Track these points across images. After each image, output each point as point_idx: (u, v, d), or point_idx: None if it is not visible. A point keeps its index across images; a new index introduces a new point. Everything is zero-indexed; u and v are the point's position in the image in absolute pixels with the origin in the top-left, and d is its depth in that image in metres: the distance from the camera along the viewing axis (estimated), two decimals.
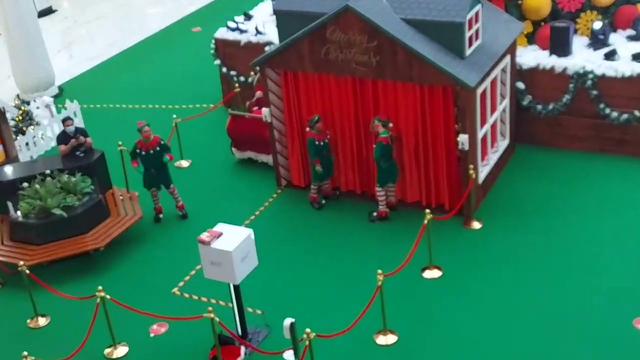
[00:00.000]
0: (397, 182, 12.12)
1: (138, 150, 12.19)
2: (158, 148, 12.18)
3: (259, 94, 13.94)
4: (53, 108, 16.02)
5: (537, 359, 9.45)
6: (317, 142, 12.03)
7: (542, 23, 13.49)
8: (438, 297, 10.54)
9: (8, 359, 10.34)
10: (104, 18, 22.61)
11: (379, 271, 9.73)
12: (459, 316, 10.16)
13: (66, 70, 19.18)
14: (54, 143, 14.84)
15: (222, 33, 15.76)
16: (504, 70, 12.39)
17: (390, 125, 11.53)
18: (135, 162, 12.22)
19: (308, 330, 8.97)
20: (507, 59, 12.32)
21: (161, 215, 12.68)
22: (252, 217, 12.70)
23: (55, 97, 17.44)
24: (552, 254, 11.03)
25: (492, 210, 12.07)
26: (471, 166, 11.41)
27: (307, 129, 12.15)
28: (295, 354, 9.18)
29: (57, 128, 15.27)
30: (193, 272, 11.58)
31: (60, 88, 18.04)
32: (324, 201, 12.74)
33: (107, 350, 10.28)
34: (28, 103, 16.32)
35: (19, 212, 11.93)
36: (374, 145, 11.61)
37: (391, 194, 12.13)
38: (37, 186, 12.01)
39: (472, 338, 9.83)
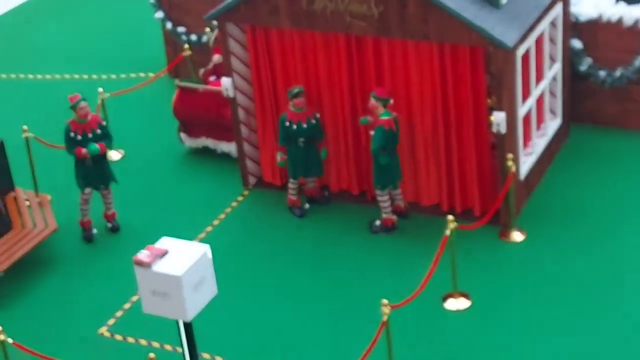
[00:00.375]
0: (405, 178, 12.13)
1: (72, 135, 12.10)
2: (99, 131, 12.13)
3: (217, 58, 13.90)
4: None
5: None
6: (287, 122, 12.01)
7: None
8: (465, 335, 10.55)
9: None
10: None
11: (384, 301, 9.73)
12: None
13: None
14: None
15: None
16: (553, 24, 12.40)
17: (391, 102, 11.51)
18: (80, 149, 11.99)
19: None
20: (558, 8, 12.34)
21: (95, 231, 12.64)
22: (209, 228, 12.68)
23: None
24: (619, 276, 11.05)
25: (538, 217, 12.10)
26: (510, 156, 11.42)
27: (289, 104, 12.11)
28: None
29: None
30: (128, 306, 11.54)
31: None
32: (307, 205, 12.74)
33: None
34: None
35: None
36: (371, 132, 11.60)
37: (398, 196, 12.13)
38: None
39: None
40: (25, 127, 13.14)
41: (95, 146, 12.04)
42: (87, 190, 12.34)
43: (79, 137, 12.07)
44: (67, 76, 16.75)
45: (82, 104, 12.06)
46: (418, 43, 11.45)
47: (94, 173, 12.27)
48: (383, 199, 11.90)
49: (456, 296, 10.97)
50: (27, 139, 13.06)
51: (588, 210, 12.12)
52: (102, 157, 12.23)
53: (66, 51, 17.58)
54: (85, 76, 16.64)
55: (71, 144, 12.11)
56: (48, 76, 16.82)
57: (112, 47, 17.52)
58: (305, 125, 12.08)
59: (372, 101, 11.47)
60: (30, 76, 16.93)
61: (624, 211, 12.03)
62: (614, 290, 10.88)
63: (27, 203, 12.69)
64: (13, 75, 17.04)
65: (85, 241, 12.60)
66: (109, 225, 12.70)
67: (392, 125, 11.47)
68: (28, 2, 19.99)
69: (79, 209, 12.50)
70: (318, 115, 12.22)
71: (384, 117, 11.45)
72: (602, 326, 10.45)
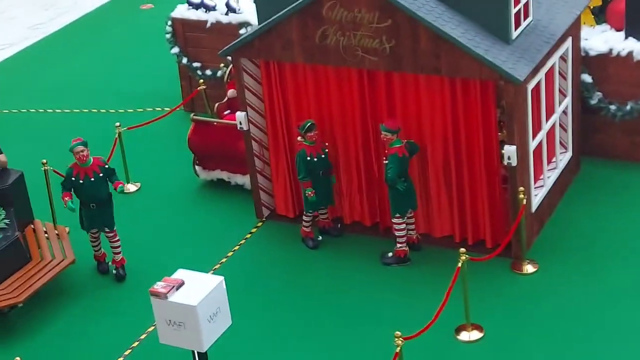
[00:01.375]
0: (418, 209, 12.13)
1: (74, 179, 12.02)
2: (101, 174, 12.03)
3: (231, 92, 13.97)
4: None
5: None
6: (308, 157, 12.05)
7: None
8: None
9: None
10: None
11: (397, 333, 9.70)
12: None
13: None
14: None
15: (181, 11, 15.81)
16: (563, 59, 12.42)
17: (400, 129, 11.58)
18: (68, 194, 12.00)
19: None
20: (568, 43, 12.37)
21: (110, 263, 12.57)
22: (224, 259, 12.68)
23: None
24: (632, 308, 10.99)
25: (550, 249, 12.06)
26: (521, 189, 11.40)
27: (298, 138, 12.17)
28: None
29: None
30: (143, 336, 11.53)
31: None
32: (321, 237, 12.75)
33: None
34: None
35: None
36: (385, 160, 11.62)
37: (411, 227, 12.12)
38: None
39: None
40: (44, 160, 13.20)
41: (121, 187, 12.04)
42: (93, 230, 12.30)
43: (81, 181, 11.95)
44: (85, 110, 16.85)
45: (78, 148, 11.88)
46: (430, 77, 11.48)
47: (98, 215, 12.17)
48: (400, 227, 11.86)
49: (469, 328, 10.91)
50: (46, 171, 13.11)
51: (600, 243, 12.07)
52: (107, 201, 12.13)
53: (85, 86, 17.68)
54: (103, 110, 16.74)
55: (67, 187, 12.02)
56: (67, 110, 16.92)
57: (129, 82, 17.62)
58: (322, 156, 12.15)
59: (385, 134, 11.51)
60: (50, 110, 17.03)
61: (636, 243, 11.98)
62: (627, 323, 10.81)
63: (46, 235, 12.72)
64: (33, 110, 17.14)
65: (101, 274, 12.56)
66: (114, 272, 12.50)
67: (404, 151, 11.52)
68: (47, 38, 20.18)
69: (91, 245, 12.51)
70: (327, 144, 12.28)
71: (396, 145, 11.50)
72: (616, 358, 10.38)
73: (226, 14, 15.31)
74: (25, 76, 18.52)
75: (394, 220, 11.90)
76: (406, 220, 11.96)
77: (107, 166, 12.16)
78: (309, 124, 11.97)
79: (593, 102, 13.23)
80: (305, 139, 12.03)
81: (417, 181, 12.09)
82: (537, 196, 12.13)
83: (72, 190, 12.08)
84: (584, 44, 13.07)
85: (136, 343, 11.48)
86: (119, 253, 12.47)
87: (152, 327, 11.23)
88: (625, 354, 10.40)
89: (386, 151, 11.63)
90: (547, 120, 12.12)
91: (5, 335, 11.79)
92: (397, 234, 11.96)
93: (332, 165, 12.45)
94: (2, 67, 19.15)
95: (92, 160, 12.06)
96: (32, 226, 12.85)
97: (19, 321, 11.95)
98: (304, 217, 12.55)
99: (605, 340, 10.61)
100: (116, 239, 12.38)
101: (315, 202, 12.27)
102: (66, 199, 12.01)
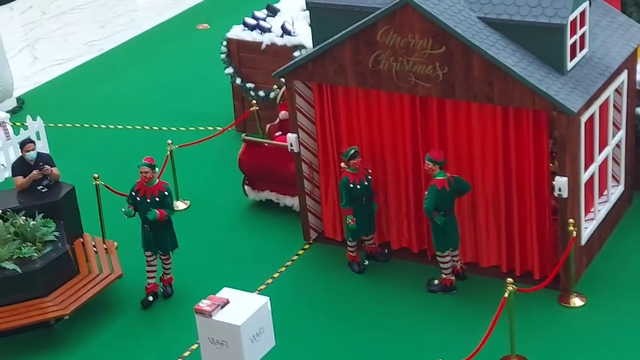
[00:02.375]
0: (465, 238, 12.09)
1: (134, 194, 12.05)
2: (157, 199, 11.97)
3: (283, 114, 14.03)
4: (9, 127, 16.27)
5: None
6: (351, 184, 12.05)
7: None
8: None
9: None
10: (82, 10, 23.08)
11: None
12: None
13: (28, 77, 19.56)
14: (8, 173, 15.04)
15: (237, 32, 15.95)
16: (618, 91, 12.33)
17: (445, 162, 11.54)
18: (133, 207, 12.03)
19: None
20: (624, 75, 12.28)
21: (151, 299, 12.42)
22: (270, 280, 12.70)
23: (13, 112, 17.76)
24: None
25: (599, 283, 11.95)
26: (571, 221, 11.31)
27: (342, 164, 12.19)
28: None
29: (14, 154, 15.48)
30: (187, 354, 11.56)
31: (20, 100, 18.37)
32: (367, 262, 12.72)
33: None
34: None
35: None
36: (426, 192, 11.59)
37: (456, 258, 12.06)
38: None
39: None
40: (96, 174, 13.35)
41: (155, 212, 11.88)
42: (147, 253, 12.27)
43: (138, 199, 11.99)
44: (138, 127, 17.03)
45: (143, 168, 11.89)
46: (482, 106, 11.46)
47: (153, 238, 12.15)
48: (444, 260, 11.83)
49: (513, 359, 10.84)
50: (97, 186, 13.26)
51: None
52: (163, 224, 12.06)
53: (138, 103, 17.89)
54: (156, 128, 16.91)
55: (129, 201, 12.11)
56: (120, 126, 17.12)
57: (182, 100, 17.80)
58: (365, 184, 12.13)
59: (428, 164, 11.48)
60: (103, 126, 17.24)
61: None
62: None
63: (95, 249, 12.85)
64: (87, 125, 17.36)
65: (143, 307, 12.38)
66: (162, 289, 12.52)
67: (445, 185, 11.44)
68: (103, 55, 20.45)
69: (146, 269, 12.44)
70: (370, 171, 12.28)
71: (439, 178, 11.45)
72: None
73: (281, 36, 15.41)
74: (80, 91, 18.77)
75: (436, 253, 11.86)
76: (451, 252, 11.90)
77: (167, 193, 12.05)
78: (352, 152, 11.98)
79: None
80: (348, 166, 12.04)
81: (466, 209, 12.05)
82: (588, 229, 12.01)
83: (137, 207, 12.09)
84: (639, 77, 12.96)
85: (182, 356, 11.51)
86: (168, 273, 12.54)
87: (196, 345, 11.27)
88: None
89: (429, 182, 11.62)
90: (600, 152, 12.02)
91: (50, 347, 11.91)
92: (441, 266, 11.91)
93: (375, 193, 12.43)
94: (57, 82, 19.42)
95: (157, 182, 12.08)
96: (81, 240, 13.00)
97: (64, 334, 12.06)
98: (349, 242, 12.54)
99: None
100: (169, 261, 12.42)
101: (356, 230, 12.27)
102: (129, 210, 12.02)
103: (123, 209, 12.07)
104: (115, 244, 13.12)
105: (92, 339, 11.98)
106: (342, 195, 12.13)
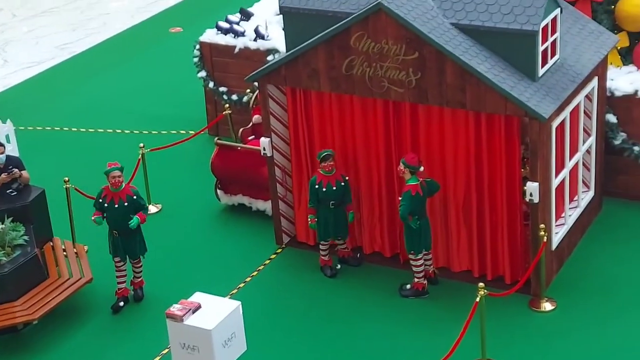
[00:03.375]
0: (437, 243, 12.11)
1: (101, 200, 11.94)
2: (126, 203, 11.85)
3: (256, 118, 14.04)
4: None
5: None
6: (317, 185, 12.07)
7: None
8: None
9: None
10: (53, 12, 22.95)
11: None
12: None
13: None
14: None
15: (210, 35, 15.94)
16: (589, 98, 12.42)
17: (421, 169, 11.53)
18: (99, 214, 11.93)
19: None
20: (594, 82, 12.36)
21: (122, 304, 12.33)
22: (242, 284, 12.67)
23: None
24: None
25: (569, 287, 12.00)
26: (542, 226, 11.37)
27: (319, 168, 12.20)
28: None
29: None
30: (157, 359, 11.48)
31: None
32: (339, 266, 12.73)
33: None
34: None
35: None
36: (399, 198, 11.62)
37: (428, 262, 12.09)
38: None
39: None
40: (66, 178, 13.28)
41: (137, 219, 11.85)
42: (117, 258, 12.19)
43: (106, 205, 11.88)
44: (109, 130, 16.96)
45: (115, 172, 11.78)
46: (455, 111, 11.50)
47: (121, 244, 12.07)
48: (417, 263, 11.86)
49: None
50: (67, 189, 13.19)
51: (619, 284, 11.99)
52: (131, 230, 11.93)
53: (110, 106, 17.83)
54: (127, 131, 16.84)
55: (96, 206, 12.00)
56: (91, 130, 17.04)
57: (155, 104, 17.75)
58: (334, 188, 12.12)
59: (401, 166, 11.52)
60: (74, 129, 17.15)
61: None
62: None
63: (65, 253, 12.76)
64: (57, 128, 17.27)
65: (113, 311, 12.28)
66: (133, 292, 12.46)
67: (418, 190, 11.47)
68: (75, 57, 20.36)
69: (115, 275, 12.37)
70: (347, 178, 12.27)
71: (411, 183, 11.47)
72: None
73: (254, 40, 15.42)
74: (51, 94, 18.69)
75: (410, 257, 11.89)
76: (423, 256, 11.93)
77: (135, 197, 11.94)
78: (324, 154, 11.99)
79: (617, 142, 13.20)
80: (321, 167, 12.06)
81: (437, 214, 12.09)
82: (558, 234, 12.08)
83: (105, 212, 11.98)
84: (609, 84, 13.07)
85: None
86: (139, 277, 12.48)
87: (166, 350, 11.22)
88: None
89: (402, 188, 11.65)
90: (570, 158, 12.09)
91: (18, 352, 11.81)
92: (414, 269, 11.93)
93: (352, 201, 12.40)
94: (28, 84, 19.32)
95: (123, 186, 11.97)
96: (51, 243, 12.91)
97: (32, 338, 11.97)
98: (321, 246, 12.55)
99: None
100: (139, 265, 12.37)
101: (325, 233, 12.29)
102: (95, 216, 11.95)
103: (93, 218, 11.97)
104: (86, 247, 13.05)
105: (61, 344, 11.89)
106: (309, 194, 12.22)
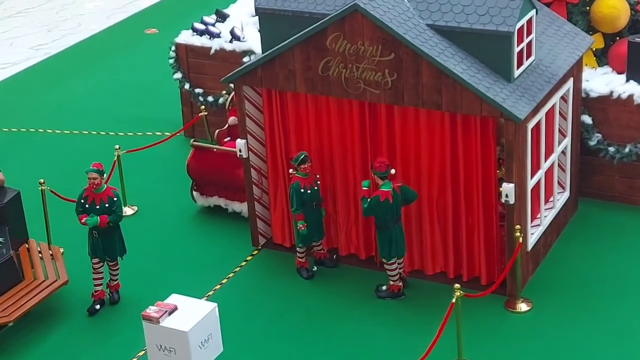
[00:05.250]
0: (409, 247, 12.18)
1: (82, 201, 11.90)
2: (107, 205, 11.80)
3: (232, 120, 14.04)
4: None
5: None
6: (302, 189, 12.05)
7: (618, 37, 13.65)
8: None
9: None
10: (28, 13, 22.84)
11: None
12: None
13: None
14: None
15: (185, 37, 15.90)
16: (564, 99, 12.49)
17: (392, 172, 11.57)
18: (84, 215, 11.82)
19: None
20: (569, 84, 12.43)
21: (98, 307, 12.28)
22: (218, 286, 12.66)
23: None
24: (624, 350, 10.98)
25: (545, 288, 12.06)
26: (518, 227, 11.42)
27: (291, 170, 12.21)
28: None
29: None
30: None
31: None
32: (315, 268, 12.73)
33: None
34: None
35: None
36: (368, 199, 11.50)
37: (400, 265, 12.10)
38: None
39: None
40: (41, 180, 13.23)
41: (95, 218, 11.74)
42: (95, 259, 12.12)
43: (87, 205, 11.86)
44: (85, 132, 16.89)
45: (91, 174, 11.73)
46: (430, 112, 11.54)
47: (100, 244, 12.01)
48: (391, 267, 11.89)
49: None
50: (43, 191, 13.14)
51: (594, 284, 12.07)
52: (110, 230, 11.92)
53: (86, 108, 17.76)
54: (103, 133, 16.78)
55: (78, 209, 11.99)
56: (67, 131, 16.97)
57: (130, 106, 17.70)
58: (315, 188, 12.16)
59: (372, 173, 11.56)
60: (49, 131, 17.07)
61: (630, 285, 11.99)
62: None
63: (40, 255, 12.71)
64: (32, 130, 17.19)
65: (89, 314, 12.23)
66: (109, 295, 12.41)
67: (389, 197, 11.43)
68: (50, 58, 20.28)
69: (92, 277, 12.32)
70: (318, 176, 12.33)
71: (383, 189, 11.47)
72: None
73: (230, 41, 15.41)
74: (26, 96, 18.59)
75: (383, 261, 11.92)
76: (396, 261, 11.95)
77: (115, 198, 11.91)
78: (302, 156, 11.98)
79: (592, 143, 13.29)
80: (298, 170, 12.05)
81: (412, 215, 12.13)
82: (534, 235, 12.13)
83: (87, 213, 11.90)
84: (585, 85, 13.15)
85: None
86: (115, 280, 12.42)
87: (142, 352, 11.21)
88: None
89: (374, 191, 11.63)
90: (546, 159, 12.16)
91: None
92: (388, 273, 11.96)
93: (323, 199, 12.46)
94: (3, 86, 19.21)
95: (104, 188, 11.92)
96: (26, 245, 12.84)
97: (7, 340, 11.91)
98: (297, 248, 12.55)
99: None
100: (116, 267, 12.32)
101: (307, 235, 12.28)
102: (83, 220, 11.85)
103: (83, 221, 11.84)
104: (61, 249, 13.00)
105: (37, 346, 11.84)
106: (292, 201, 12.12)
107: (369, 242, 12.67)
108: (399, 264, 12.00)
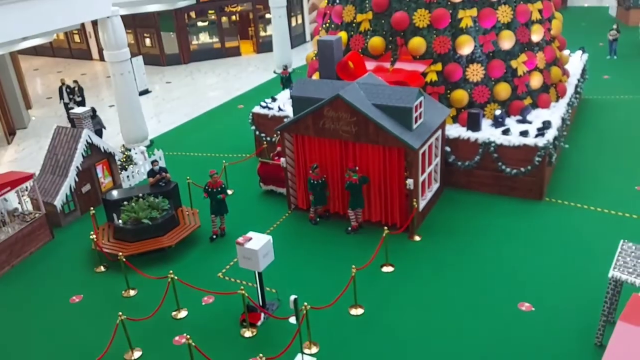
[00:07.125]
0: (364, 207, 12.05)
1: (207, 188, 11.95)
2: (219, 189, 11.94)
3: (279, 149, 13.98)
4: (146, 154, 16.05)
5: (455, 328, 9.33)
6: (312, 181, 12.02)
7: (463, 109, 13.63)
8: (393, 285, 10.46)
9: (109, 318, 10.23)
10: (182, 98, 22.76)
11: (353, 266, 9.74)
12: (407, 298, 10.07)
13: (156, 130, 19.21)
14: (145, 176, 14.84)
15: (257, 109, 15.82)
16: (437, 139, 12.47)
17: (357, 168, 11.50)
18: (206, 194, 11.94)
19: (306, 303, 8.92)
20: (439, 132, 12.41)
21: (214, 237, 12.16)
22: (272, 228, 12.60)
23: (148, 147, 17.48)
24: (467, 260, 10.96)
25: (428, 229, 12.01)
26: (415, 199, 11.40)
27: (310, 171, 12.17)
28: (297, 319, 9.14)
29: (148, 167, 15.28)
30: (232, 263, 11.48)
31: (152, 141, 18.05)
32: (318, 219, 12.67)
33: (173, 313, 10.20)
34: (130, 150, 16.31)
35: (120, 221, 11.92)
36: (347, 182, 11.61)
37: (359, 216, 12.04)
38: (133, 204, 12.04)
39: (416, 313, 9.77)
40: (188, 177, 13.30)
41: (220, 196, 11.83)
42: (213, 216, 12.07)
43: (209, 189, 11.84)
44: (209, 154, 16.70)
45: (216, 176, 11.79)
46: (373, 145, 11.52)
47: (216, 208, 11.98)
48: (351, 215, 11.85)
49: (387, 265, 10.88)
50: (189, 183, 13.14)
51: (454, 229, 11.95)
52: (222, 201, 11.88)
53: (211, 142, 17.54)
54: (219, 154, 16.59)
55: (205, 191, 11.91)
56: (201, 154, 16.78)
57: (231, 141, 17.47)
58: (320, 181, 12.12)
59: (348, 172, 11.50)
60: (192, 153, 16.87)
61: (470, 228, 11.88)
62: (465, 267, 10.72)
63: (187, 213, 12.70)
64: (184, 153, 16.89)
65: (210, 241, 12.10)
66: (221, 232, 12.28)
67: (355, 181, 11.44)
68: (193, 119, 20.06)
69: (211, 224, 12.21)
70: (325, 177, 12.23)
71: (354, 177, 11.48)
72: (458, 283, 10.27)
73: (278, 111, 15.34)
74: (182, 138, 18.16)
75: (349, 211, 11.85)
76: (357, 213, 11.86)
77: (223, 186, 11.91)
78: (315, 166, 11.98)
79: (450, 160, 13.24)
80: (313, 172, 12.02)
81: (365, 193, 12.05)
82: (422, 203, 12.09)
83: (209, 194, 11.91)
84: (447, 132, 13.10)
85: (228, 266, 11.40)
86: (223, 225, 12.31)
87: (236, 260, 11.21)
88: (466, 281, 10.27)
89: (350, 179, 11.62)
90: (428, 167, 12.14)
91: (165, 260, 11.67)
92: (350, 218, 11.92)
93: (328, 186, 12.31)
94: (171, 133, 18.77)
95: (218, 181, 11.91)
96: (181, 208, 12.85)
97: (172, 253, 11.81)
98: (310, 209, 12.51)
99: (457, 274, 10.50)
100: (223, 219, 12.20)
101: (314, 202, 12.19)
102: (205, 196, 11.90)
103: (205, 195, 11.80)
104: (197, 210, 12.97)
105: (187, 256, 11.74)
106: (308, 186, 12.07)
107: (345, 206, 12.63)
108: (357, 214, 11.90)
